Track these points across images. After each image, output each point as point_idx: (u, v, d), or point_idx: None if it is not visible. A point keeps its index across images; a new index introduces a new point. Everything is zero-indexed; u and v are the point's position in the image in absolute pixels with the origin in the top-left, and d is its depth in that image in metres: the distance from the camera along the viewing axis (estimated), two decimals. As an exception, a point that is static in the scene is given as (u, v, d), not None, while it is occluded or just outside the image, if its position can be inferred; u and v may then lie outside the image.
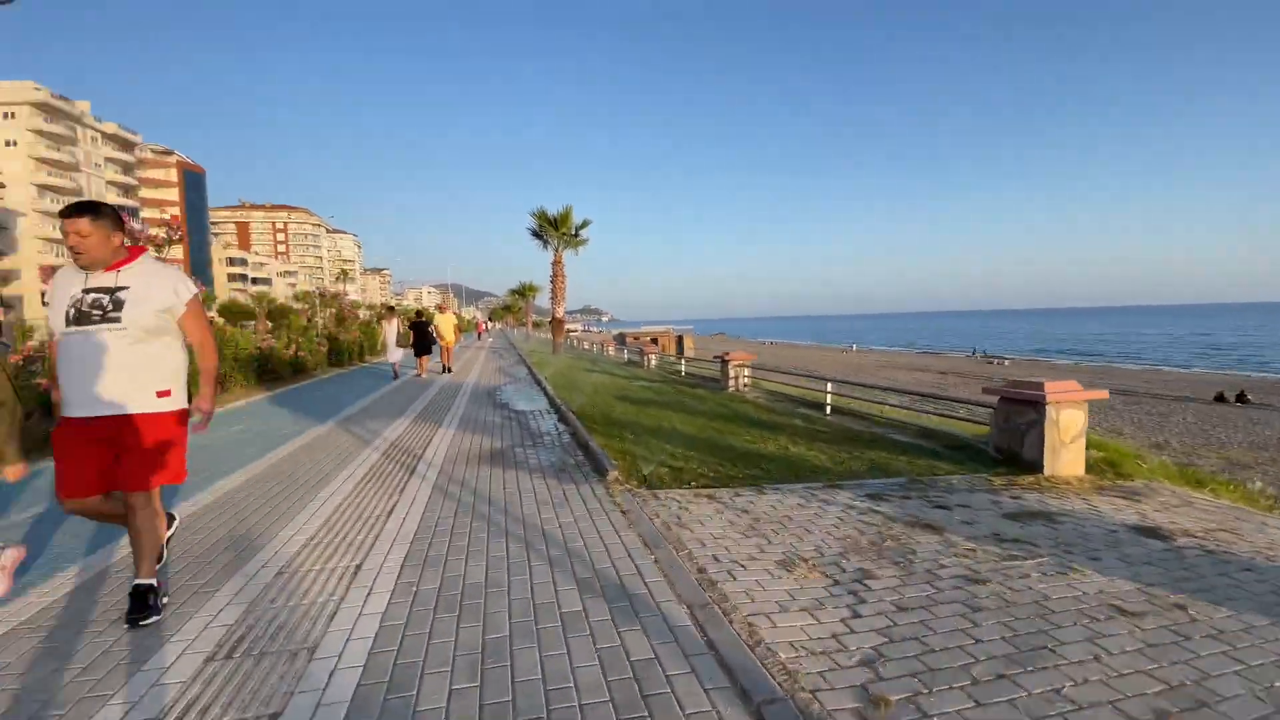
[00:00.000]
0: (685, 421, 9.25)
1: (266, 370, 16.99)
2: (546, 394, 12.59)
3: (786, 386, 13.38)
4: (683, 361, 18.66)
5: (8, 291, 69.43)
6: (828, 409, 10.35)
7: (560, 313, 28.50)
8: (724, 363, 13.79)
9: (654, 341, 60.18)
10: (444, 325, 18.68)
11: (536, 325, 64.50)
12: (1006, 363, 49.57)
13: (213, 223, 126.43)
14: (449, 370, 18.19)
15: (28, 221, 70.56)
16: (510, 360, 24.41)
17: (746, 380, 13.62)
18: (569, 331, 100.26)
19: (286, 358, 17.81)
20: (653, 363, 21.28)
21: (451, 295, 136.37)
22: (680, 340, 62.81)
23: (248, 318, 37.77)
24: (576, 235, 28.61)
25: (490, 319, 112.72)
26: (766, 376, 14.55)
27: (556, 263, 28.45)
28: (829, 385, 10.79)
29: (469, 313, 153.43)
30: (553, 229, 27.66)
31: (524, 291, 54.94)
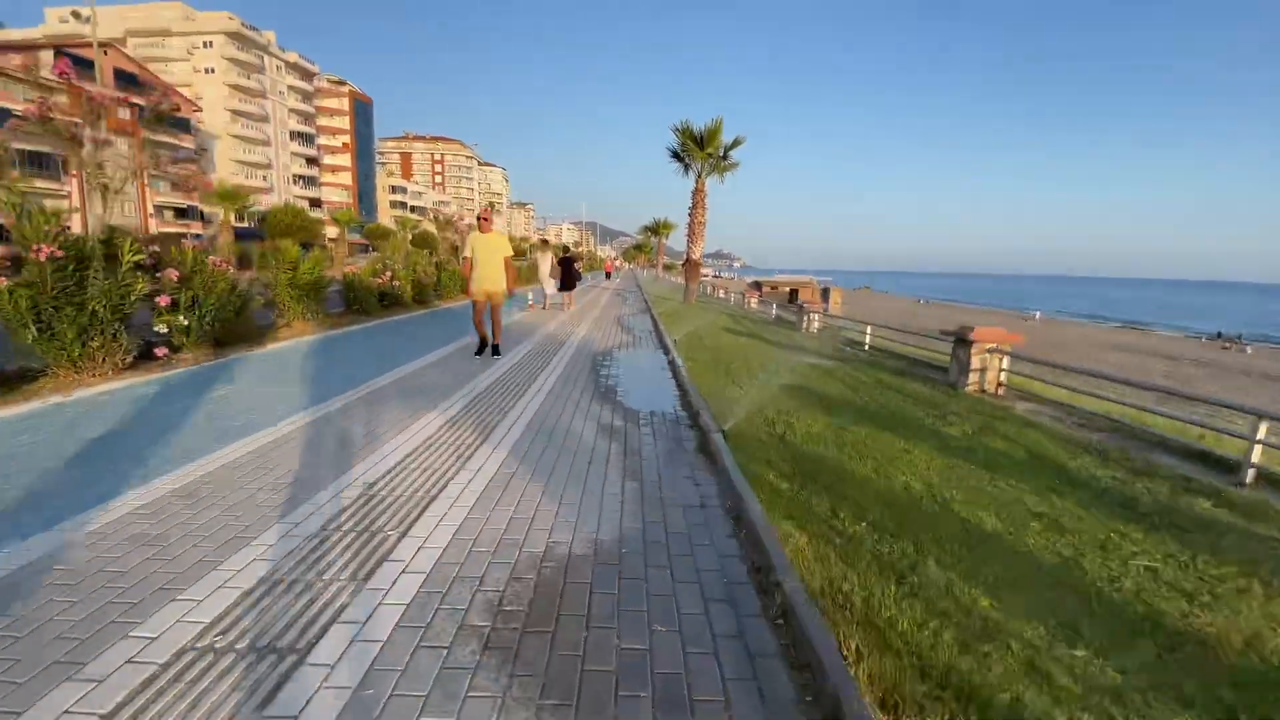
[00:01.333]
0: (986, 495, 4.15)
1: (352, 300, 13.81)
2: (678, 380, 7.93)
3: (1078, 396, 7.60)
4: (866, 332, 13.10)
5: (208, 209, 75.14)
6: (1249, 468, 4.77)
7: (696, 254, 23.53)
8: (962, 344, 8.25)
9: (794, 294, 53.42)
10: (483, 250, 9.42)
11: (668, 268, 59.65)
12: (1249, 350, 37.79)
13: (380, 152, 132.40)
14: (494, 350, 9.79)
15: (223, 144, 75.30)
16: (634, 307, 20.02)
17: (1002, 377, 8.05)
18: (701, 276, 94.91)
19: (375, 287, 14.48)
20: (815, 324, 15.87)
21: (587, 231, 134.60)
22: (826, 293, 55.36)
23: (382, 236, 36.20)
24: (725, 157, 23.11)
25: (623, 259, 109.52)
26: (1037, 375, 8.81)
27: (698, 191, 23.25)
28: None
29: (604, 252, 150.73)
30: (696, 147, 22.33)
31: (657, 229, 49.72)
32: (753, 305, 23.77)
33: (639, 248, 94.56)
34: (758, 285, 57.78)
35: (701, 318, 16.98)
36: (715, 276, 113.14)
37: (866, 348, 12.98)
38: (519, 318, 15.27)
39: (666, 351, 10.33)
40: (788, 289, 55.47)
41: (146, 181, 61.56)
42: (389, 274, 15.48)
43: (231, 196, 29.40)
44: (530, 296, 17.46)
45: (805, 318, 16.07)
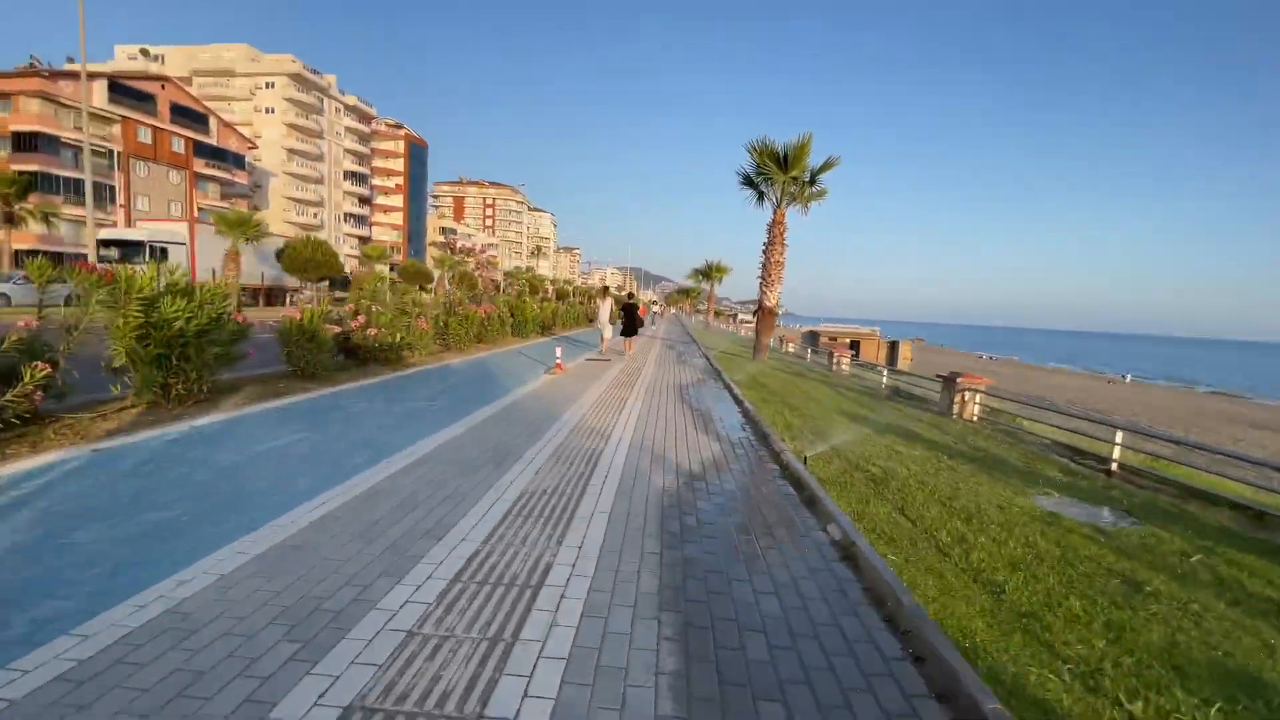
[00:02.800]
0: None
1: (295, 356, 9.15)
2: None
3: None
4: (1115, 440, 7.61)
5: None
6: None
7: (772, 299, 18.43)
8: None
9: (854, 346, 47.43)
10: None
11: (718, 314, 54.41)
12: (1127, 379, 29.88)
13: (434, 195, 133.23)
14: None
15: (278, 182, 74.78)
16: (695, 369, 14.97)
17: None
18: (743, 323, 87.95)
19: (327, 338, 9.73)
20: (974, 408, 10.44)
21: (632, 277, 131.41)
22: (895, 347, 48.98)
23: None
24: (813, 182, 18.16)
25: (665, 303, 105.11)
26: None
27: (776, 224, 18.26)
28: None
29: (645, 295, 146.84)
30: (778, 169, 17.45)
31: (709, 272, 44.46)
32: (844, 367, 18.37)
33: (685, 292, 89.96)
34: (814, 335, 52.06)
35: (802, 394, 11.71)
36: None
37: (1114, 467, 7.46)
38: (533, 387, 10.32)
39: (806, 491, 5.11)
40: (848, 340, 49.59)
41: (197, 215, 60.65)
42: (361, 319, 10.89)
43: (240, 224, 25.84)
44: (558, 353, 12.62)
45: (957, 397, 10.67)
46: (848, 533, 4.13)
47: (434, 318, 13.27)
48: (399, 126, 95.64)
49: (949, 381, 11.13)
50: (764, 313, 18.42)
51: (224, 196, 63.45)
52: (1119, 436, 7.72)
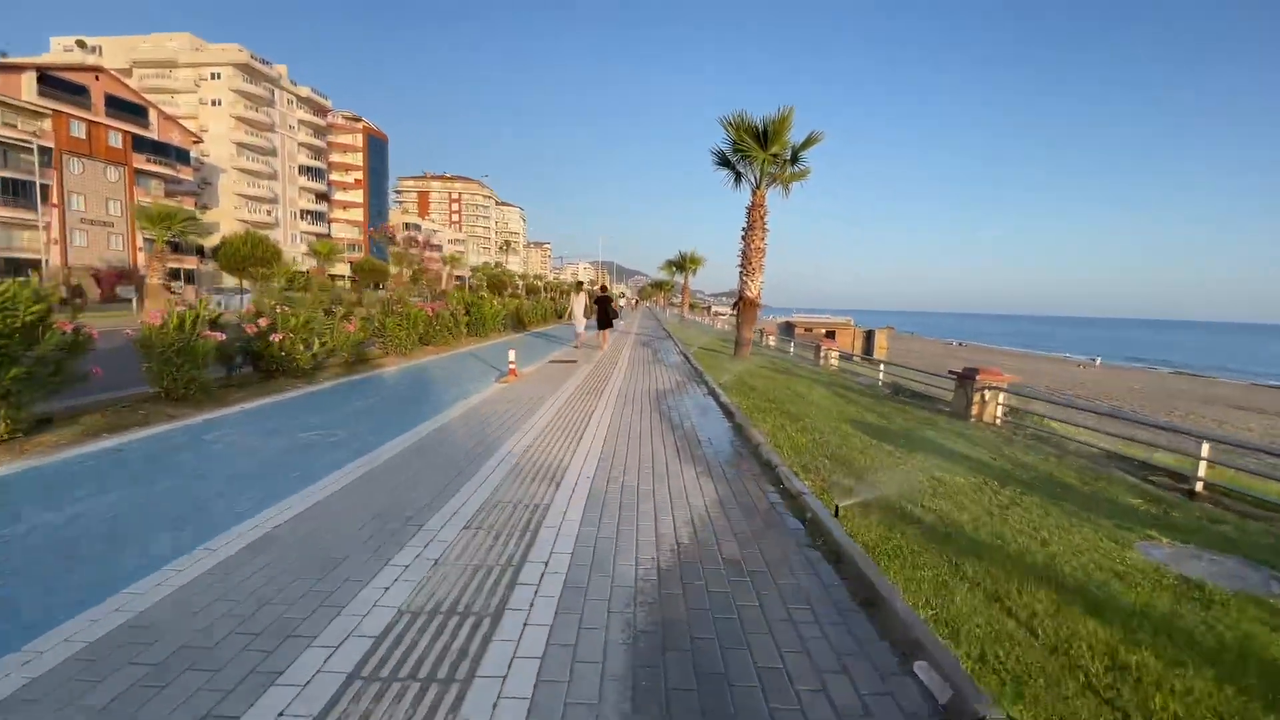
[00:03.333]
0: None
1: (161, 373, 7.07)
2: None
3: None
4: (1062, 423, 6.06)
5: (209, 244, 70.34)
6: None
7: (754, 290, 16.66)
8: None
9: (830, 335, 46.26)
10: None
11: (693, 307, 52.57)
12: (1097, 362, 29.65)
13: (397, 190, 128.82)
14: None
15: (227, 178, 70.79)
16: (676, 372, 13.17)
17: None
18: (718, 315, 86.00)
19: (203, 350, 7.59)
20: (996, 410, 8.83)
21: (605, 271, 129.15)
22: (870, 336, 47.84)
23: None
24: (794, 160, 16.43)
25: (638, 296, 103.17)
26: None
27: (756, 207, 16.49)
28: None
29: (618, 289, 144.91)
30: (757, 146, 15.65)
31: (683, 263, 42.37)
32: (833, 362, 16.71)
33: (658, 285, 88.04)
34: (789, 326, 50.79)
35: (797, 398, 9.94)
36: (733, 313, 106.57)
37: (1199, 487, 5.85)
38: (476, 402, 8.36)
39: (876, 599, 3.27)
40: (823, 330, 48.42)
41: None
42: (265, 321, 8.80)
43: (163, 217, 23.14)
44: (512, 357, 10.63)
45: (975, 396, 9.05)
46: (952, 679, 2.34)
47: (364, 319, 11.18)
48: (357, 119, 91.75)
49: (964, 379, 9.50)
50: (745, 304, 16.65)
51: (169, 194, 59.56)
52: (1204, 449, 6.11)
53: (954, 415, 9.53)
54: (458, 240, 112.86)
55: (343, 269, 69.60)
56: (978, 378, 9.24)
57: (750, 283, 16.58)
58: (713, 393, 9.56)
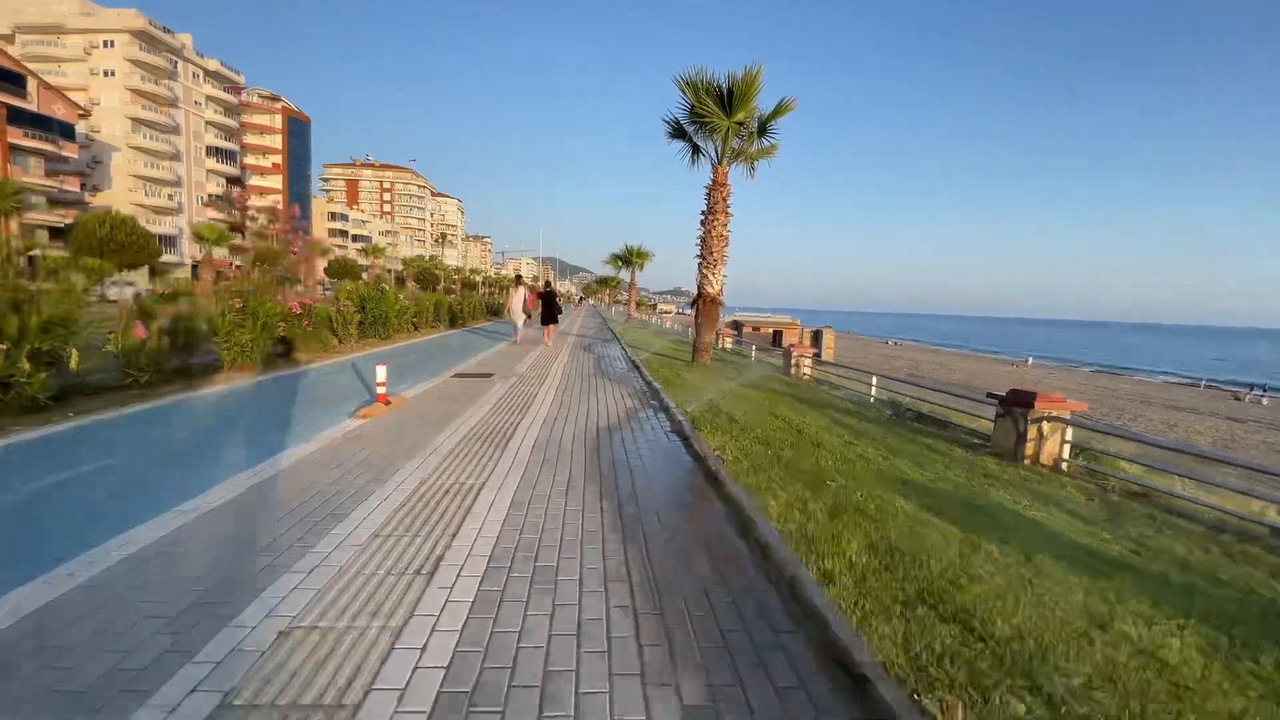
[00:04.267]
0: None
1: None
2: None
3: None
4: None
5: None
6: None
7: (716, 286, 13.77)
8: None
9: (776, 336, 44.44)
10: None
11: (640, 305, 49.60)
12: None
13: (324, 179, 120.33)
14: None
15: (122, 157, 62.97)
16: (628, 386, 10.16)
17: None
18: (664, 313, 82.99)
19: None
20: (1059, 448, 6.30)
21: (548, 268, 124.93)
22: (818, 337, 46.01)
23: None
24: (762, 132, 13.71)
25: (583, 294, 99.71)
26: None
27: (717, 186, 13.66)
28: None
29: (563, 286, 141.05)
30: (720, 112, 12.80)
31: (630, 257, 38.71)
32: (806, 370, 14.08)
33: (603, 282, 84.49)
34: (737, 325, 48.75)
35: (790, 431, 7.11)
36: (679, 313, 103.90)
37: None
38: (295, 460, 5.08)
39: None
40: (770, 330, 46.59)
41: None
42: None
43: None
44: (382, 375, 7.25)
45: (1030, 430, 6.51)
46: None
47: (157, 327, 7.62)
48: (275, 98, 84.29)
49: (1013, 406, 6.93)
50: (705, 303, 13.80)
51: (50, 173, 52.13)
52: None
53: (997, 455, 6.95)
54: (390, 232, 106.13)
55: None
56: (1036, 404, 6.67)
57: (711, 276, 13.75)
58: (679, 430, 6.60)
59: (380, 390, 6.98)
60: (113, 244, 21.84)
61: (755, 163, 14.39)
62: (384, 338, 15.29)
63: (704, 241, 13.85)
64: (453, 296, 23.81)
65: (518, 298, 17.19)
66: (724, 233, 13.77)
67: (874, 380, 10.80)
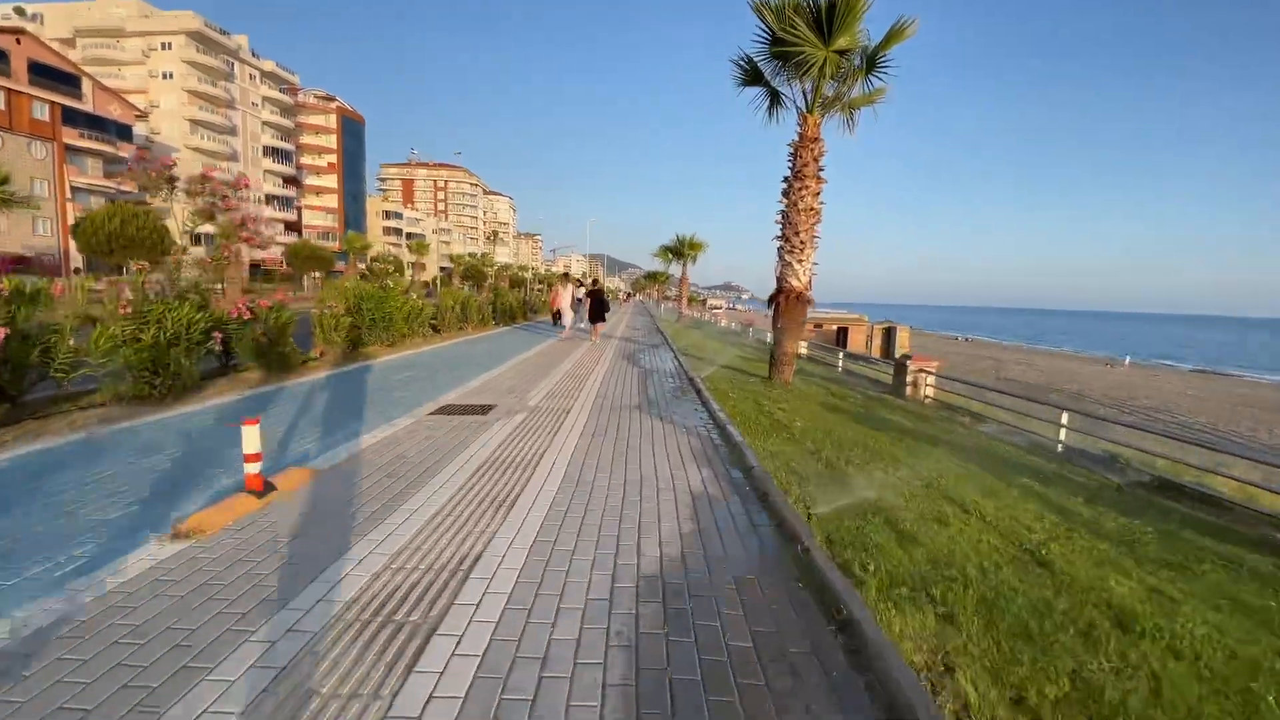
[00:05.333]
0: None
1: None
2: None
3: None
4: None
5: (161, 229, 62.94)
6: None
7: (802, 277, 10.07)
8: None
9: (840, 334, 39.93)
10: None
11: (691, 301, 45.81)
12: None
13: (380, 179, 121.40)
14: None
15: (180, 158, 63.59)
16: (673, 439, 6.69)
17: None
18: (713, 308, 77.29)
19: None
20: None
21: (598, 264, 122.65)
22: (889, 336, 41.12)
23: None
24: (871, 66, 9.99)
25: (632, 290, 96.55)
26: None
27: (806, 143, 9.98)
28: None
29: (613, 283, 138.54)
30: (815, 38, 9.14)
31: (680, 249, 34.76)
32: (926, 394, 10.26)
33: (651, 277, 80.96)
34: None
35: (1036, 575, 3.56)
36: (730, 308, 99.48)
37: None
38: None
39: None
40: (834, 327, 42.02)
41: (69, 195, 49.72)
42: None
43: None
44: (250, 445, 4.04)
45: None
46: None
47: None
48: (330, 99, 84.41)
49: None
50: (788, 299, 10.18)
51: (109, 175, 52.61)
52: None
53: None
54: (444, 229, 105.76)
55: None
56: None
57: (796, 265, 10.11)
58: (816, 577, 3.11)
59: (250, 468, 3.78)
60: (122, 239, 19.93)
61: (856, 112, 10.64)
62: (390, 344, 12.36)
63: (786, 218, 10.21)
64: (484, 294, 21.05)
65: (567, 295, 17.83)
66: (814, 205, 10.11)
67: (1063, 420, 6.96)
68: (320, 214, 79.90)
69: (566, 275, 21.71)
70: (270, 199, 71.08)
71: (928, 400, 10.07)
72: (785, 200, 10.27)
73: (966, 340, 73.89)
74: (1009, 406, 8.86)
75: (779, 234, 10.36)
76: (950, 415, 9.15)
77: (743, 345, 18.70)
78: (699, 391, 8.57)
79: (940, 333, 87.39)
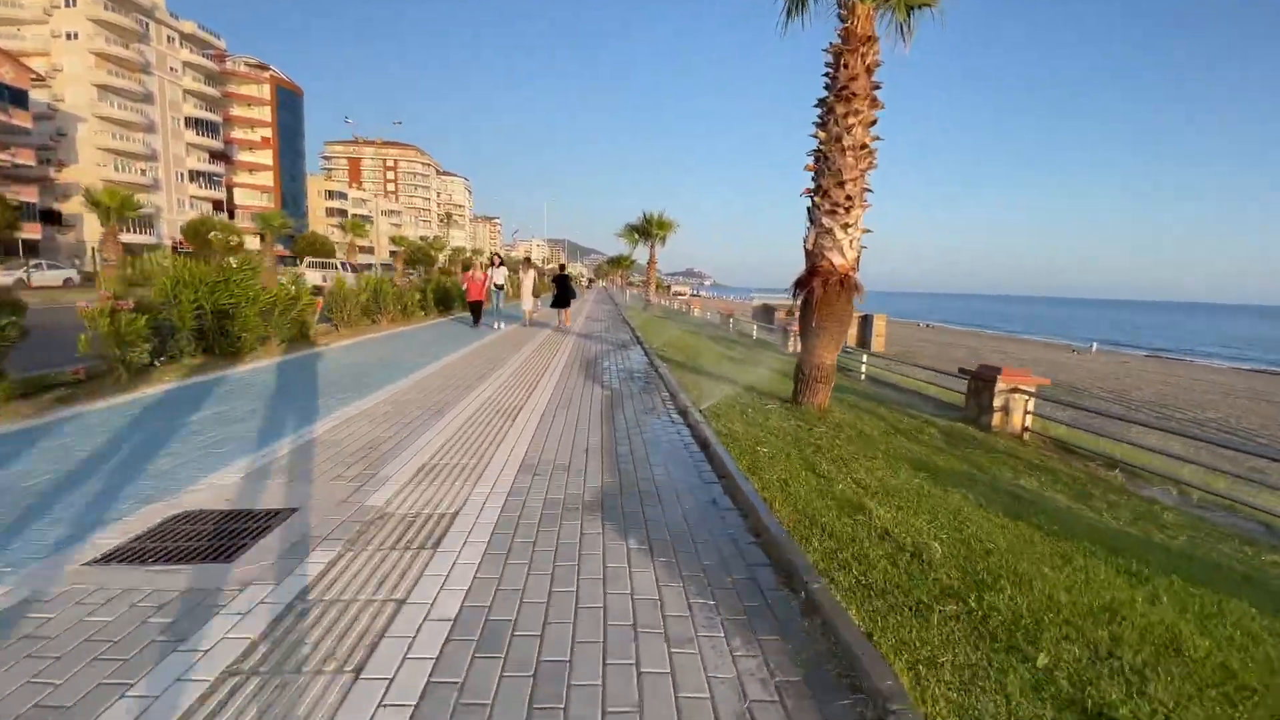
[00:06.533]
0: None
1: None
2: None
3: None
4: None
5: (66, 209, 55.73)
6: None
7: (851, 250, 6.60)
8: None
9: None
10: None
11: (660, 288, 41.85)
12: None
13: (325, 157, 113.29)
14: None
15: (88, 128, 56.21)
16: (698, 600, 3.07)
17: None
18: (677, 294, 72.77)
19: None
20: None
21: (560, 249, 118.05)
22: (866, 324, 37.97)
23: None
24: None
25: (594, 275, 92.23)
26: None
27: (855, 44, 6.43)
28: None
29: (575, 269, 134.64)
30: None
31: (647, 229, 30.17)
32: (1020, 424, 6.90)
33: (615, 261, 76.62)
34: (767, 310, 41.26)
35: None
36: (694, 294, 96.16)
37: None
38: None
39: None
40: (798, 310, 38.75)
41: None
42: None
43: None
44: None
45: None
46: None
47: None
48: (263, 67, 76.92)
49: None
50: (826, 287, 6.54)
51: (4, 146, 45.75)
52: None
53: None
54: (393, 211, 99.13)
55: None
56: None
57: (840, 233, 6.52)
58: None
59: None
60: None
61: (915, 11, 7.05)
62: (233, 354, 8.29)
63: (823, 162, 6.61)
64: (405, 279, 16.89)
65: (528, 281, 16.09)
66: (867, 140, 6.52)
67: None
68: (254, 193, 72.89)
69: (528, 261, 19.93)
70: (194, 175, 64.05)
71: (1026, 435, 6.68)
72: (821, 134, 6.64)
73: (929, 327, 72.46)
74: (1167, 449, 5.54)
75: (811, 186, 6.75)
76: (1089, 469, 5.76)
77: (730, 343, 15.23)
78: (706, 447, 4.92)
79: (899, 320, 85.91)
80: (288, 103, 79.23)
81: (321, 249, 44.18)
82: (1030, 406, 6.76)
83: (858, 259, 6.73)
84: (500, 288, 15.47)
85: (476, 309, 14.62)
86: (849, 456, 4.73)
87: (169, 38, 62.75)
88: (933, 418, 7.35)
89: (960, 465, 5.20)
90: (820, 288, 6.60)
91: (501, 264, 18.40)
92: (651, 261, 31.33)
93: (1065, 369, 31.81)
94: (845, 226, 6.52)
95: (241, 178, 73.00)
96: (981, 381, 7.14)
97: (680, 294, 74.52)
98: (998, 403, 6.94)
